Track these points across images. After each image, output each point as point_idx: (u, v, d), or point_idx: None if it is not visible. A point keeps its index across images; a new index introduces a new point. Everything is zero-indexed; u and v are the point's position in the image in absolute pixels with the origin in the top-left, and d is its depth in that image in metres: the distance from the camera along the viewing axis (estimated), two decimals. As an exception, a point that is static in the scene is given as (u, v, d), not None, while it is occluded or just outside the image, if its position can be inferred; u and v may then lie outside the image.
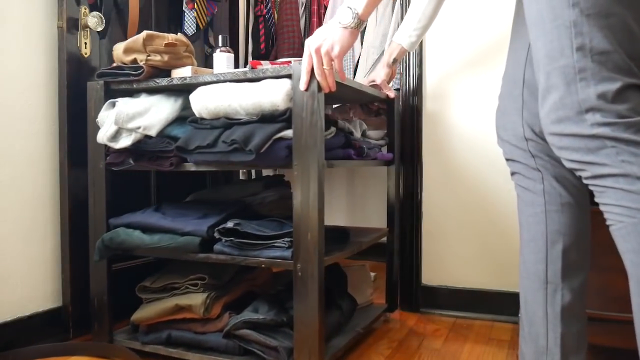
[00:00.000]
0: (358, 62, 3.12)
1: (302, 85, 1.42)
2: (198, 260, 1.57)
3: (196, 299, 1.60)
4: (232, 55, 1.66)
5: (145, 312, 1.67)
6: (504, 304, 2.11)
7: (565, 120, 0.96)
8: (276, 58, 3.32)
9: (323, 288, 1.46)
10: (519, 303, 1.29)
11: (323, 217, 1.45)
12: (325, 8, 3.30)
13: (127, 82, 1.67)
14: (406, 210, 2.26)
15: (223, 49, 1.65)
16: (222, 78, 1.54)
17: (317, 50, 1.40)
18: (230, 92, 1.49)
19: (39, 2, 1.86)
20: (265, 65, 1.52)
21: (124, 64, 1.65)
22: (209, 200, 1.85)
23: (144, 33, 1.60)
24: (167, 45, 1.59)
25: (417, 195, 2.26)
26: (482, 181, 2.16)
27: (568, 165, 0.99)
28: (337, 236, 1.67)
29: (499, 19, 2.11)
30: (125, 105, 1.59)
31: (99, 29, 1.99)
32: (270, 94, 1.45)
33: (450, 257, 2.23)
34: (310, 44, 1.41)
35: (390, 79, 1.99)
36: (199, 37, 2.81)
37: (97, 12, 2.00)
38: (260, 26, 3.36)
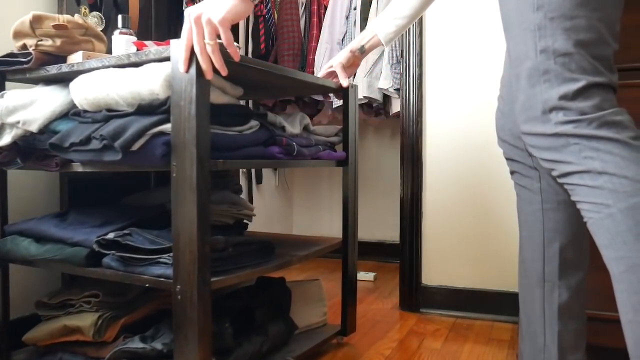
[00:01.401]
0: None
1: (181, 66, 1.03)
2: (87, 275, 1.20)
3: (86, 320, 1.24)
4: (133, 38, 1.28)
5: (37, 332, 1.32)
6: (504, 304, 1.96)
7: (533, 119, 0.90)
8: (276, 58, 2.99)
9: (209, 315, 1.07)
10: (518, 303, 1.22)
11: (207, 229, 1.06)
12: (325, 8, 2.96)
13: (20, 72, 1.31)
14: (406, 210, 2.10)
15: (124, 30, 1.27)
16: (106, 63, 1.17)
17: (197, 20, 1.01)
18: (109, 79, 1.12)
19: (39, 2, 1.67)
20: (151, 46, 1.13)
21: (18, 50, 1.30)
22: (131, 204, 1.48)
23: (31, 14, 1.24)
24: (55, 27, 1.23)
25: (417, 195, 2.09)
26: (482, 181, 2.01)
27: (543, 164, 0.92)
28: (252, 250, 1.26)
29: (500, 19, 1.77)
30: (10, 97, 1.24)
31: (99, 29, 1.70)
32: (149, 80, 1.07)
33: (450, 257, 2.07)
34: (190, 12, 1.02)
35: (351, 67, 1.56)
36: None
37: (97, 12, 1.81)
38: (260, 26, 3.01)
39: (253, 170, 2.99)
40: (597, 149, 0.83)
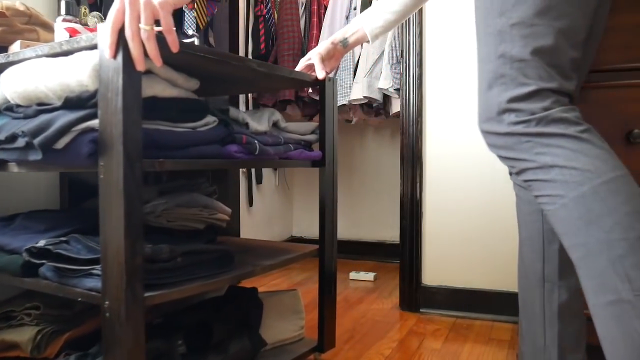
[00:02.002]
0: (358, 62, 2.69)
1: (107, 51, 0.85)
2: (22, 286, 1.03)
3: (25, 334, 1.07)
4: (79, 26, 1.11)
5: (-24, 346, 1.15)
6: (504, 304, 1.91)
7: (490, 119, 0.89)
8: (276, 58, 2.82)
9: (140, 336, 0.89)
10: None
11: (139, 238, 0.88)
12: (325, 8, 2.83)
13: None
14: (406, 210, 2.05)
15: (67, 17, 1.09)
16: (40, 53, 1.00)
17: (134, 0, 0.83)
18: (39, 71, 0.95)
19: (39, 2, 1.59)
20: (84, 32, 0.96)
21: (-40, 41, 1.14)
22: (90, 208, 1.31)
23: (-33, 0, 1.08)
24: (-9, 14, 1.06)
25: (417, 195, 2.04)
26: (483, 181, 1.95)
27: (502, 162, 0.91)
28: (207, 260, 1.08)
29: None
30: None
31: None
32: (77, 70, 0.90)
33: (450, 258, 2.02)
34: None
35: (331, 60, 1.37)
36: (198, 37, 2.40)
37: (97, 12, 1.67)
38: (260, 26, 2.85)
39: (253, 170, 2.84)
40: (547, 145, 0.83)
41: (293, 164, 1.30)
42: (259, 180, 2.92)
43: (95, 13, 1.67)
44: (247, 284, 2.49)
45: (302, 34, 2.84)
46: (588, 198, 0.78)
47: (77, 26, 0.98)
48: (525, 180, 0.88)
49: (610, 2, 1.04)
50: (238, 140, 1.11)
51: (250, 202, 2.83)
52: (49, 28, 1.18)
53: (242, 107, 2.79)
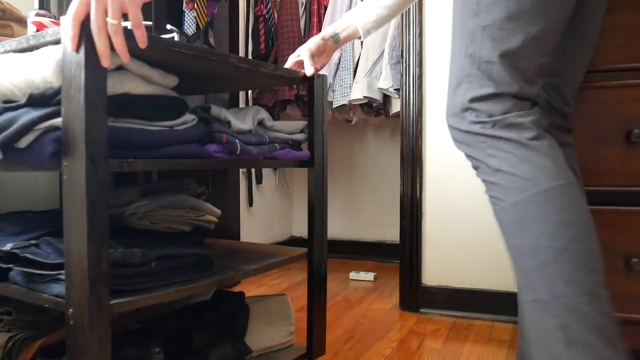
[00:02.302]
0: (358, 62, 2.64)
1: (69, 45, 0.78)
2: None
3: (-5, 341, 1.00)
4: (46, 20, 1.04)
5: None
6: (504, 304, 1.87)
7: (455, 115, 0.91)
8: (276, 58, 2.75)
9: (107, 345, 0.82)
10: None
11: (103, 243, 0.81)
12: (325, 8, 2.77)
13: None
14: (406, 210, 2.02)
15: (40, 12, 1.02)
16: (8, 48, 0.93)
17: None
18: (4, 66, 0.88)
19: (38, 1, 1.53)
20: (51, 27, 0.89)
21: None
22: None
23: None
24: (-37, 9, 1.00)
25: (417, 195, 2.01)
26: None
27: (467, 158, 0.93)
28: (185, 264, 1.01)
29: None
30: None
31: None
32: (41, 66, 0.84)
33: (450, 258, 1.98)
34: None
35: (322, 56, 1.29)
36: (198, 37, 2.36)
37: None
38: (260, 26, 2.78)
39: (253, 170, 2.78)
40: (498, 148, 0.85)
41: (279, 164, 1.22)
42: (259, 180, 2.85)
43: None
44: (246, 283, 2.44)
45: (302, 34, 2.78)
46: (524, 205, 0.82)
47: (45, 20, 0.92)
48: (480, 179, 0.91)
49: (607, 2, 1.03)
50: (218, 140, 1.04)
51: (251, 202, 2.76)
52: (25, 23, 1.11)
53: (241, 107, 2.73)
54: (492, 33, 0.85)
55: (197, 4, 2.39)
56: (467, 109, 0.88)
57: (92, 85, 0.78)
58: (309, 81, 1.28)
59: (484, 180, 0.89)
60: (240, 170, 2.67)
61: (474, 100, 0.87)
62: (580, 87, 1.14)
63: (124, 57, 0.80)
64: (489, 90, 0.86)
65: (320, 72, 1.31)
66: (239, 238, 2.58)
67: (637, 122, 1.12)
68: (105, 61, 0.79)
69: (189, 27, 2.38)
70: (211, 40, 2.54)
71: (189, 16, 2.39)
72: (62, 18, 0.80)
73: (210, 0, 2.48)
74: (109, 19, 0.77)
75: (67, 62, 0.79)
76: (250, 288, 2.36)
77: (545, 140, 0.84)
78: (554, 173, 0.81)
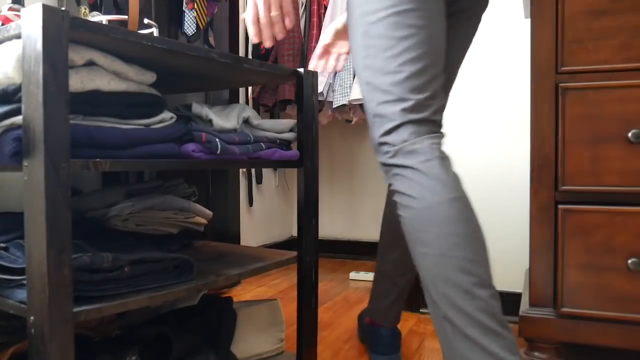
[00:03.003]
0: None
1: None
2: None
3: (-34, 347, 0.94)
4: (10, 14, 0.97)
5: None
6: (503, 304, 1.72)
7: (375, 148, 1.00)
8: (276, 58, 2.68)
9: (69, 356, 0.76)
10: (519, 303, 1.20)
11: (66, 248, 0.75)
12: (325, 8, 2.69)
13: None
14: None
15: (14, 6, 0.96)
16: (-25, 43, 0.87)
17: None
18: (-32, 61, 0.82)
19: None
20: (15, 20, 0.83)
21: None
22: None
23: None
24: None
25: None
26: (481, 181, 1.91)
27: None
28: (161, 269, 0.94)
29: (501, 20, 1.87)
30: None
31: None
32: (3, 62, 0.77)
33: None
34: None
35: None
36: (199, 37, 2.31)
37: (97, 12, 1.66)
38: (260, 26, 2.70)
39: (253, 170, 2.71)
40: (398, 174, 0.94)
41: (265, 164, 1.15)
42: (259, 180, 2.79)
43: (95, 13, 1.61)
44: (245, 283, 2.38)
45: (302, 34, 2.71)
46: (414, 220, 0.92)
47: (10, 14, 0.86)
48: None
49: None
50: (197, 139, 0.97)
51: (250, 202, 2.70)
52: None
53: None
54: (386, 52, 0.94)
55: (197, 4, 2.34)
56: (380, 144, 0.97)
57: (52, 81, 0.71)
58: (297, 77, 1.21)
59: (393, 199, 0.97)
60: (240, 170, 2.61)
61: (382, 135, 0.96)
62: (580, 87, 1.10)
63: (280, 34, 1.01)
64: (392, 123, 0.94)
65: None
66: (239, 238, 2.52)
67: (637, 122, 1.09)
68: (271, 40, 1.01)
69: (189, 27, 2.33)
70: (211, 40, 2.48)
71: (189, 16, 2.34)
72: (22, 10, 0.74)
73: (210, 0, 2.42)
74: (272, 13, 0.97)
75: (26, 57, 0.73)
76: (250, 288, 2.30)
77: (435, 161, 0.92)
78: (440, 190, 0.90)
